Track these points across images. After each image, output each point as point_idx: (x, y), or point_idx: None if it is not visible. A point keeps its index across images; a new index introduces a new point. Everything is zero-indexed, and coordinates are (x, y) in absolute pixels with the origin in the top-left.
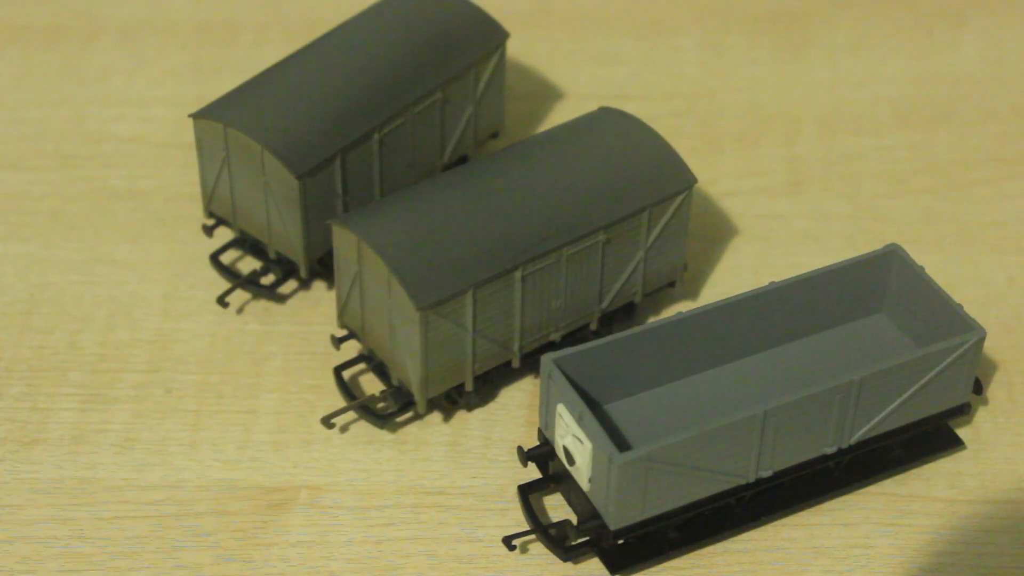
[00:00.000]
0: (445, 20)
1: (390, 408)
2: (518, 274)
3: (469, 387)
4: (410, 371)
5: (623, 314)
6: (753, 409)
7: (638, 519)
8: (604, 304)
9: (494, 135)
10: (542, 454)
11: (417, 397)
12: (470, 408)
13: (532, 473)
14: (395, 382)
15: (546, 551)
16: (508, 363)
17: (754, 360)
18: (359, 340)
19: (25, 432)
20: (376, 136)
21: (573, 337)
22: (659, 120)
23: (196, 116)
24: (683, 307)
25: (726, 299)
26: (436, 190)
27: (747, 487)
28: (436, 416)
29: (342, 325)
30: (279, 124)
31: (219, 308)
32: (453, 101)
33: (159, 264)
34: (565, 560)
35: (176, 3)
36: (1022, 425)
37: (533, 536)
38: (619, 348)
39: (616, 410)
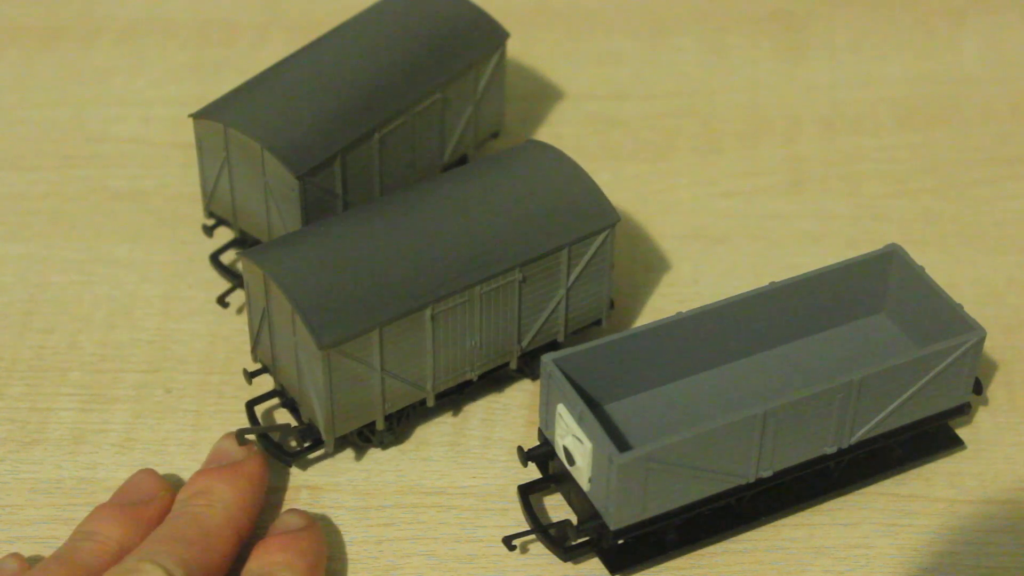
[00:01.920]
0: (445, 20)
1: (299, 446)
2: (428, 313)
3: (380, 426)
4: (317, 410)
5: (546, 352)
6: (753, 409)
7: (638, 519)
8: (524, 343)
9: (494, 135)
10: (542, 454)
11: (324, 436)
12: (384, 447)
13: (532, 473)
14: (305, 419)
15: (546, 551)
16: (424, 401)
17: (754, 360)
18: (271, 375)
19: (25, 432)
20: (376, 136)
21: (492, 376)
22: (659, 120)
23: (196, 116)
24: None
25: (726, 299)
26: (350, 224)
27: (747, 487)
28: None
29: (255, 360)
30: (279, 124)
31: (219, 308)
32: (453, 101)
33: (159, 264)
34: (565, 560)
35: (176, 3)
36: (1022, 425)
37: (533, 536)
38: (619, 348)
39: (616, 410)
